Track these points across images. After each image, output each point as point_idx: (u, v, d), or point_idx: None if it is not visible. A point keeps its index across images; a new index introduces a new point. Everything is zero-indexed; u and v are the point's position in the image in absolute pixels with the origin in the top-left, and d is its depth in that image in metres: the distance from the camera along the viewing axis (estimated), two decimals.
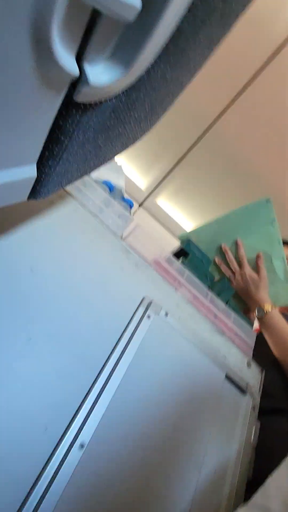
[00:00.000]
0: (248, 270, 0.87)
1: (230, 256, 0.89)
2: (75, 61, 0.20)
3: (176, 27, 0.23)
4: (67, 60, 0.19)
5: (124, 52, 0.21)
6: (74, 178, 0.37)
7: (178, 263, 0.71)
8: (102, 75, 0.22)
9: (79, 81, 0.22)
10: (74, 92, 0.22)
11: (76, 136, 0.27)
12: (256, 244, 0.88)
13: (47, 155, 0.28)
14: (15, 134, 0.23)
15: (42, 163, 0.29)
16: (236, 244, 0.88)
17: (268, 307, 0.82)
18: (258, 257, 0.87)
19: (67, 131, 0.26)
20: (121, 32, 0.21)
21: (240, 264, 0.89)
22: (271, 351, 0.80)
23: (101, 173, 0.78)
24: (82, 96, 0.23)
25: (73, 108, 0.24)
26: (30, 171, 0.28)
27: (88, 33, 0.20)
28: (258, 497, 0.38)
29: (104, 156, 0.37)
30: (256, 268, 0.88)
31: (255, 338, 0.72)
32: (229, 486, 0.46)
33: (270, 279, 0.89)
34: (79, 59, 0.21)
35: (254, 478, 0.52)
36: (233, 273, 0.89)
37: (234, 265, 0.89)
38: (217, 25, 0.27)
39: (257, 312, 0.83)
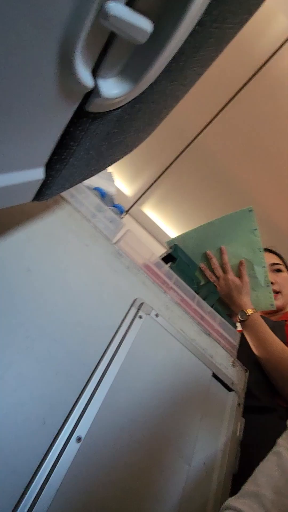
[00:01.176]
0: (231, 276, 0.91)
1: (215, 262, 0.93)
2: (91, 76, 0.22)
3: (179, 48, 0.26)
4: (85, 75, 0.22)
5: (134, 69, 0.24)
6: (76, 182, 0.39)
7: (166, 267, 0.73)
8: (113, 89, 0.24)
9: (92, 93, 0.24)
10: (87, 103, 0.25)
11: (83, 142, 0.29)
12: (239, 251, 0.92)
13: (56, 159, 0.30)
14: (31, 139, 0.25)
15: (50, 166, 0.31)
16: (220, 251, 0.93)
17: (250, 311, 0.86)
18: (241, 263, 0.92)
19: (76, 137, 0.28)
20: (132, 52, 0.23)
21: (224, 270, 0.93)
22: (253, 353, 0.83)
23: (93, 180, 0.80)
24: (93, 107, 0.25)
25: (84, 117, 0.26)
26: (39, 174, 0.30)
27: (104, 52, 0.22)
28: (248, 486, 0.40)
29: (104, 162, 0.39)
30: (239, 274, 0.92)
31: (239, 339, 0.75)
32: (217, 478, 0.48)
33: (252, 285, 0.93)
34: (94, 74, 0.23)
35: (240, 472, 0.55)
36: (218, 278, 0.93)
37: (219, 271, 0.93)
38: (212, 47, 0.31)
39: (240, 315, 0.87)
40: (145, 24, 0.20)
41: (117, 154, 0.40)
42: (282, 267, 1.07)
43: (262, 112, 1.48)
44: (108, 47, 0.22)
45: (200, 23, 0.23)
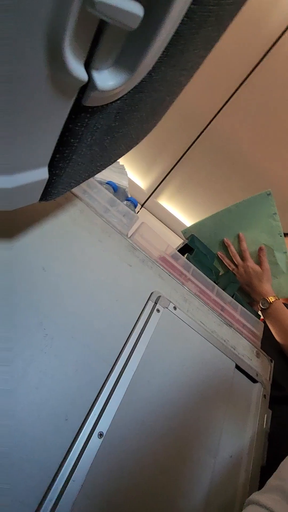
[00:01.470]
0: (251, 263, 0.89)
1: (233, 250, 0.91)
2: (84, 69, 0.22)
3: (175, 31, 0.24)
4: (77, 68, 0.21)
5: (128, 57, 0.23)
6: (82, 179, 0.38)
7: (183, 258, 0.72)
8: (108, 80, 0.23)
9: (88, 86, 0.23)
10: (83, 97, 0.24)
11: (84, 138, 0.28)
12: (258, 237, 0.89)
13: (58, 157, 0.30)
14: (31, 139, 0.24)
15: (53, 165, 0.30)
16: (238, 238, 0.90)
17: (272, 298, 0.84)
18: (260, 250, 0.89)
19: (77, 134, 0.28)
20: (125, 39, 0.22)
21: (242, 257, 0.90)
22: (277, 342, 0.81)
23: (105, 174, 0.79)
24: (90, 101, 0.24)
25: (82, 112, 0.26)
26: (42, 174, 0.30)
27: (95, 42, 0.21)
28: (272, 480, 0.40)
29: (109, 157, 0.38)
30: (258, 261, 0.89)
31: (262, 329, 0.73)
32: (245, 473, 0.48)
33: (273, 272, 0.90)
34: (87, 66, 0.22)
35: (268, 465, 0.53)
36: (236, 266, 0.91)
37: (237, 258, 0.90)
38: (213, 27, 0.29)
39: (261, 304, 0.85)
40: (135, 8, 0.19)
41: (123, 148, 0.39)
42: None
43: (275, 92, 1.41)
44: (99, 37, 0.21)
45: (195, 1, 0.22)
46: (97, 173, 0.41)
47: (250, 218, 0.87)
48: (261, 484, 0.50)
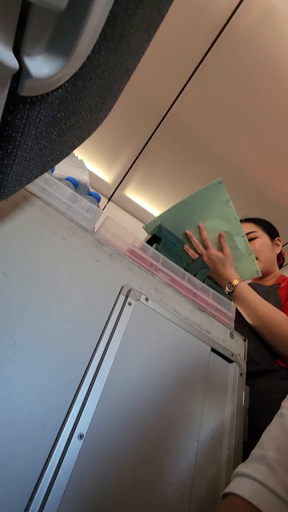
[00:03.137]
0: (213, 250, 0.91)
1: (195, 240, 0.93)
2: (12, 54, 0.20)
3: (111, 12, 0.23)
4: (3, 54, 0.19)
5: (62, 41, 0.21)
6: (34, 176, 0.36)
7: (152, 249, 0.72)
8: (43, 67, 0.22)
9: (21, 74, 0.22)
10: (18, 87, 0.22)
11: (27, 131, 0.27)
12: (216, 225, 0.92)
13: (1, 154, 0.28)
14: None
15: None
16: (198, 228, 0.92)
17: (236, 281, 0.87)
18: (220, 236, 0.92)
19: (18, 127, 0.26)
20: (56, 22, 0.21)
21: (205, 246, 0.93)
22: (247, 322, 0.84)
23: (64, 170, 0.77)
24: (26, 90, 0.23)
25: (19, 103, 0.24)
26: None
27: (23, 26, 0.20)
28: (255, 450, 0.41)
29: (60, 151, 0.37)
30: (220, 247, 0.92)
31: (235, 310, 0.75)
32: (227, 450, 0.49)
33: (235, 256, 0.93)
34: (17, 52, 0.21)
35: (250, 439, 0.55)
36: (201, 255, 0.93)
37: (200, 248, 0.93)
38: (152, 7, 0.28)
39: (228, 287, 0.88)
40: None
41: (74, 140, 0.37)
42: (256, 234, 1.08)
43: (231, 73, 1.43)
44: (27, 19, 0.20)
45: None
46: (50, 168, 0.39)
47: (206, 207, 0.89)
48: (244, 459, 0.52)
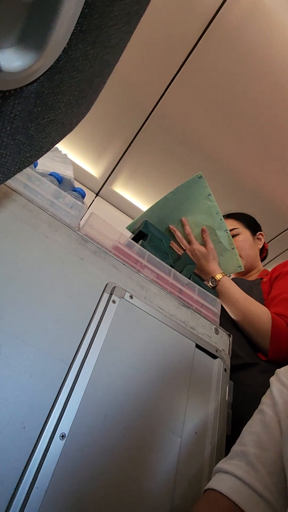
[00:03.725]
0: (196, 245, 0.91)
1: (179, 235, 0.93)
2: None
3: (86, 3, 0.22)
4: None
5: (33, 34, 0.21)
6: (12, 172, 0.35)
7: (138, 245, 0.72)
8: (13, 60, 0.21)
9: None
10: None
11: (1, 126, 0.26)
12: (199, 219, 0.92)
13: None
14: None
15: None
16: (181, 223, 0.92)
17: (219, 276, 0.87)
18: (203, 231, 0.92)
19: None
20: (27, 14, 0.20)
21: (188, 241, 0.93)
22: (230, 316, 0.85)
23: (47, 165, 0.75)
24: None
25: None
26: None
27: None
28: (235, 446, 0.42)
29: (40, 146, 0.36)
30: (203, 242, 0.93)
31: (220, 306, 0.76)
32: (210, 445, 0.49)
33: (218, 250, 0.94)
34: None
35: (233, 433, 0.56)
36: (185, 251, 0.93)
37: (184, 242, 0.93)
38: None
39: (211, 282, 0.88)
40: None
41: (54, 136, 0.36)
42: (238, 230, 1.08)
43: (218, 67, 1.42)
44: None
45: None
46: (29, 164, 0.38)
47: (188, 202, 0.89)
48: (227, 453, 0.52)
